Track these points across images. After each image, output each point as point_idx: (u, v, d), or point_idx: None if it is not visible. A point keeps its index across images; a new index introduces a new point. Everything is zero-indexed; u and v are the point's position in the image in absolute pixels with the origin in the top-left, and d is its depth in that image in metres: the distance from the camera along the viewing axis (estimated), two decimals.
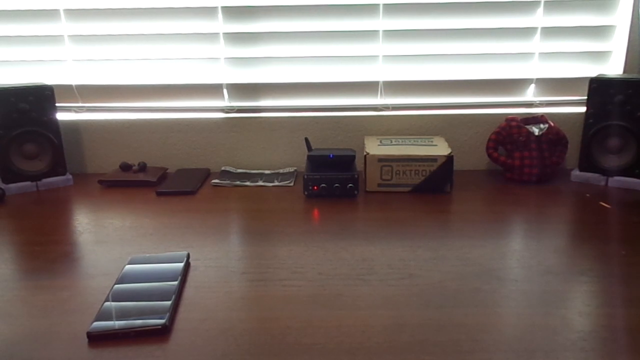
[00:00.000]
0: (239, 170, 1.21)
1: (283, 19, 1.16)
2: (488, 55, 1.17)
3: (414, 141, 1.11)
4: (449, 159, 1.02)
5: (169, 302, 0.61)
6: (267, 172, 1.19)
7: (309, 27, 1.16)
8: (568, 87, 1.19)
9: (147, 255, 0.75)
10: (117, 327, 0.56)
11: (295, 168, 1.22)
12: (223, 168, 1.21)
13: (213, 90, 1.21)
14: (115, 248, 0.80)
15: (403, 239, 0.81)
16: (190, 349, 0.54)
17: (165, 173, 1.18)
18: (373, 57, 1.18)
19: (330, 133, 1.21)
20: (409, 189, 1.04)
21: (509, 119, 1.10)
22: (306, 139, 1.10)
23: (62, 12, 1.16)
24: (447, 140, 1.18)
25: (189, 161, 1.24)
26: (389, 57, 1.17)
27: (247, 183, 1.11)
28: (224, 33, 1.16)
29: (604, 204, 0.96)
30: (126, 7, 1.15)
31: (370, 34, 1.16)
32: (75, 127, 1.21)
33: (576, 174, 1.10)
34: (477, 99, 1.20)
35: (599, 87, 1.04)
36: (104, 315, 0.59)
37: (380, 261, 0.74)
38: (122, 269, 0.70)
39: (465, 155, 1.22)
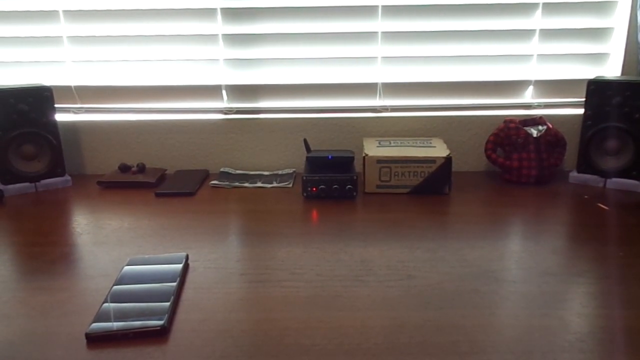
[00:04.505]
0: (238, 172, 1.21)
1: (282, 21, 1.16)
2: (487, 57, 1.18)
3: (413, 142, 1.11)
4: (448, 160, 1.02)
5: (168, 303, 0.61)
6: (265, 173, 1.19)
7: (308, 28, 1.16)
8: (566, 89, 1.19)
9: (146, 256, 0.75)
10: (115, 328, 0.56)
11: (294, 169, 1.22)
12: (222, 169, 1.21)
13: (212, 91, 1.21)
14: (114, 249, 0.80)
15: (401, 240, 0.81)
16: (189, 350, 0.54)
17: (164, 174, 1.18)
18: (372, 59, 1.18)
19: (329, 134, 1.21)
20: (407, 190, 1.04)
21: (508, 121, 1.10)
22: (305, 140, 1.10)
23: (61, 13, 1.16)
24: (445, 142, 1.18)
25: (187, 162, 1.24)
26: (387, 59, 1.18)
27: (246, 184, 1.11)
28: (223, 34, 1.16)
29: (602, 205, 0.96)
30: (125, 9, 1.15)
31: (369, 36, 1.16)
32: (74, 128, 1.21)
33: (574, 175, 1.10)
34: (476, 101, 1.21)
35: (597, 89, 1.05)
36: (102, 316, 0.59)
37: (379, 262, 0.74)
38: (121, 270, 0.70)
39: (463, 157, 1.22)
